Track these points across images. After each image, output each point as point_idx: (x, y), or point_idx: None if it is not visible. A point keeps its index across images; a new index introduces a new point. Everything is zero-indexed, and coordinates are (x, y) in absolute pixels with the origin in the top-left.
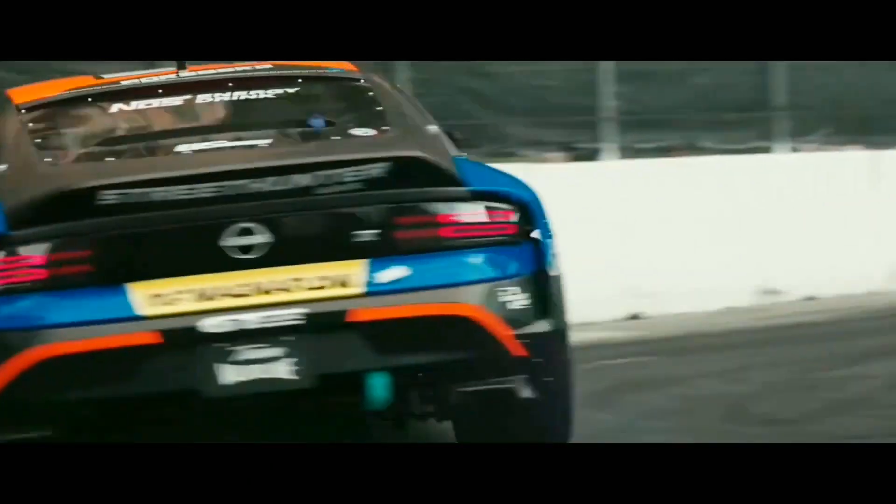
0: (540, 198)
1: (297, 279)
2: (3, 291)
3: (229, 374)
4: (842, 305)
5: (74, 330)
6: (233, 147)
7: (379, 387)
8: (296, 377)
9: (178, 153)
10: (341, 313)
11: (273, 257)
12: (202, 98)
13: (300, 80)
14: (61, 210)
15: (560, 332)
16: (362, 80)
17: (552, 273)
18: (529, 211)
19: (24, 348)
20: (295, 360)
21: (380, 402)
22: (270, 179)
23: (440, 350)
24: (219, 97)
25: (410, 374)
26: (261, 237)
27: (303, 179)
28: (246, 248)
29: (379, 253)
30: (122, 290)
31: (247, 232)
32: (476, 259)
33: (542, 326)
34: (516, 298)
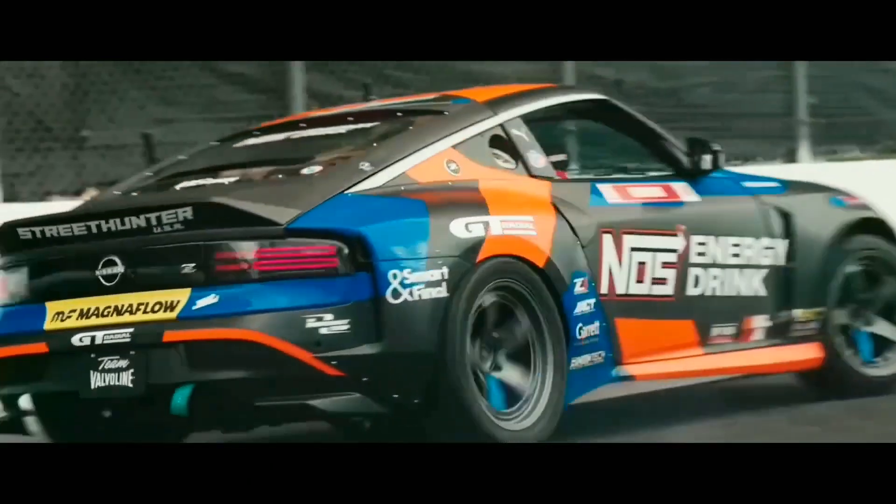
0: (390, 231)
1: (141, 304)
2: None
3: (96, 380)
4: None
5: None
6: (186, 186)
7: (179, 399)
8: (132, 386)
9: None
10: (160, 331)
11: (126, 285)
12: (287, 134)
13: (395, 113)
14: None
15: (400, 354)
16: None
17: (393, 301)
18: (364, 244)
19: None
20: (132, 371)
21: (179, 410)
22: (126, 220)
23: (237, 368)
24: (296, 134)
25: (216, 387)
26: (118, 268)
27: (143, 221)
28: (110, 277)
29: (200, 283)
30: (42, 308)
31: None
32: (279, 289)
33: (366, 349)
34: (326, 324)
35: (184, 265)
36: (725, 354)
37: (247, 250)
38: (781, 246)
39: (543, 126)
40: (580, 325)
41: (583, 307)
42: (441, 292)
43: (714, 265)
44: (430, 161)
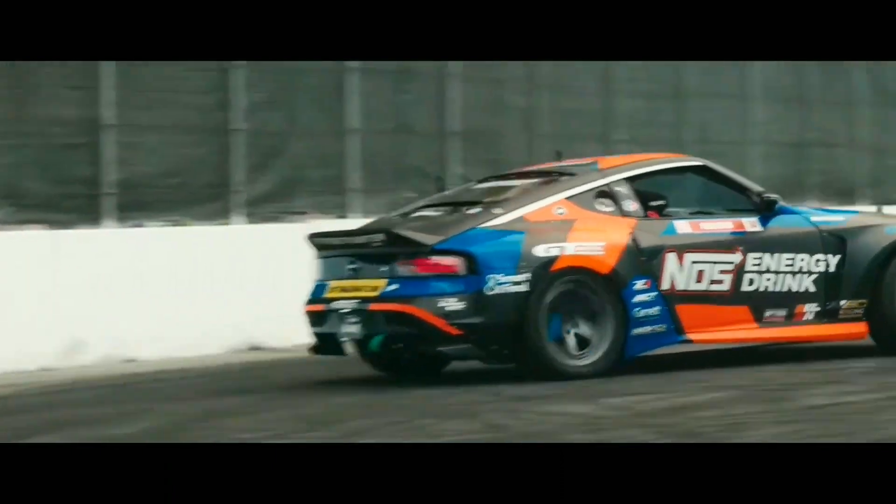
0: (493, 251)
1: (364, 286)
2: None
3: (343, 328)
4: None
5: (313, 303)
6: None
7: (375, 342)
8: (357, 332)
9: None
10: (368, 303)
11: (359, 275)
12: (492, 184)
13: (549, 174)
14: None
15: (493, 323)
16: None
17: (489, 293)
18: (473, 259)
19: None
20: (358, 324)
21: (374, 348)
22: (360, 238)
23: (405, 327)
24: (494, 184)
25: (395, 337)
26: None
27: (365, 239)
28: (352, 270)
29: (390, 277)
30: (326, 284)
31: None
32: (427, 283)
33: (474, 320)
34: (451, 304)
35: (383, 267)
36: (776, 328)
37: (412, 259)
38: (833, 259)
39: (657, 180)
40: (638, 308)
41: (642, 297)
42: (522, 288)
43: (768, 271)
44: (543, 208)
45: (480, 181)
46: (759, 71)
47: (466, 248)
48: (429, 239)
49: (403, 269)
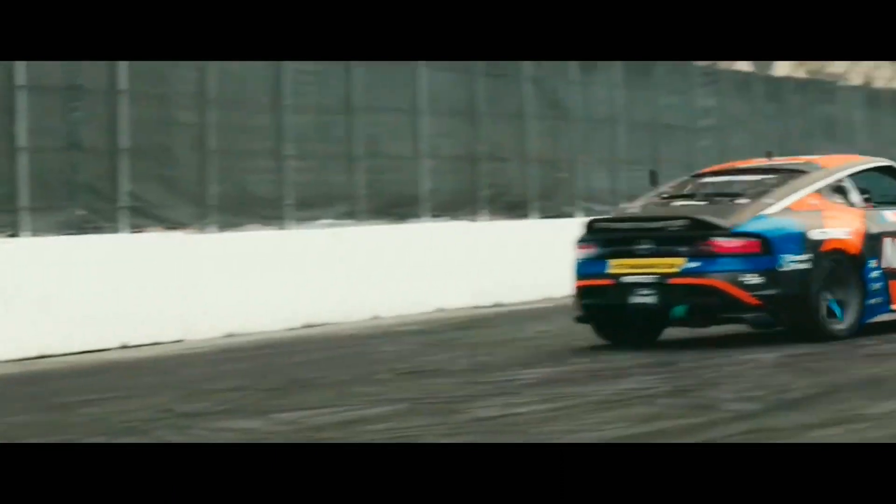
0: (782, 234)
1: (660, 264)
2: None
3: (633, 299)
4: None
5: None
6: (682, 204)
7: (679, 310)
8: (654, 302)
9: (663, 204)
10: (668, 278)
11: (651, 254)
12: (723, 178)
13: (782, 170)
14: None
15: (785, 295)
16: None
17: (782, 269)
18: (769, 241)
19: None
20: (654, 295)
21: (678, 316)
22: (654, 223)
23: (707, 298)
24: (728, 178)
25: (698, 306)
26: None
27: (662, 224)
28: (643, 250)
29: (689, 256)
30: (605, 262)
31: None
32: (727, 261)
33: (770, 292)
34: (751, 279)
35: (681, 247)
36: None
37: (711, 240)
38: None
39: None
40: (871, 283)
41: (873, 274)
42: (805, 266)
43: None
44: (801, 199)
45: (697, 176)
46: (427, 84)
47: (761, 232)
48: (726, 223)
49: (703, 249)
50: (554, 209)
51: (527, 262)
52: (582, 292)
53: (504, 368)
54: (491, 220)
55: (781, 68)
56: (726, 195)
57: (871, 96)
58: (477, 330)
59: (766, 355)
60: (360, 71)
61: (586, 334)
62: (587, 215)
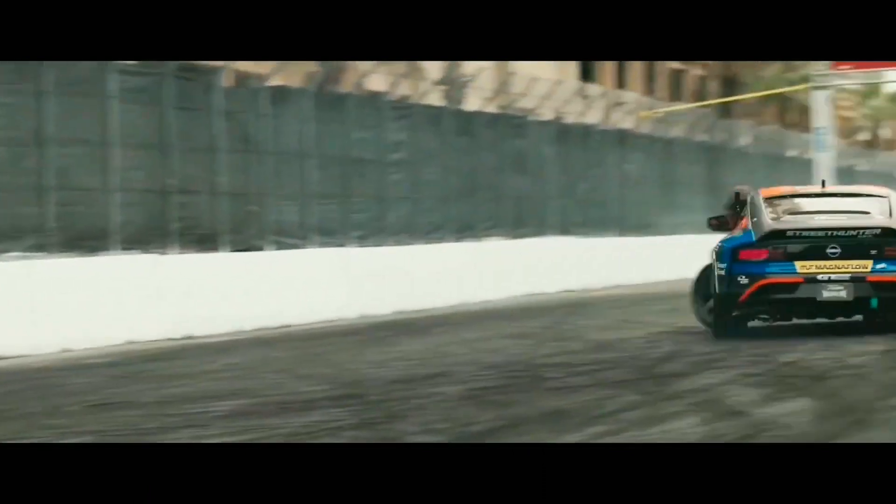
0: None
1: (851, 265)
2: None
3: (825, 294)
4: None
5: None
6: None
7: (874, 302)
8: (846, 297)
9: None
10: (863, 277)
11: (841, 257)
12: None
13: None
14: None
15: None
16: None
17: None
18: None
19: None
20: (846, 291)
21: (873, 308)
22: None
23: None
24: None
25: (887, 300)
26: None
27: (853, 232)
28: (833, 253)
29: (876, 258)
30: (792, 264)
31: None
32: None
33: None
34: None
35: (871, 250)
36: None
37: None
38: None
39: None
40: None
41: None
42: None
43: None
44: None
45: (781, 197)
46: (119, 116)
47: None
48: None
49: (889, 253)
50: (244, 242)
51: (218, 294)
52: (766, 289)
53: (194, 401)
54: (181, 253)
55: (472, 103)
56: (856, 212)
57: (560, 131)
58: (167, 362)
59: (452, 388)
60: (51, 103)
61: (279, 365)
62: (278, 248)
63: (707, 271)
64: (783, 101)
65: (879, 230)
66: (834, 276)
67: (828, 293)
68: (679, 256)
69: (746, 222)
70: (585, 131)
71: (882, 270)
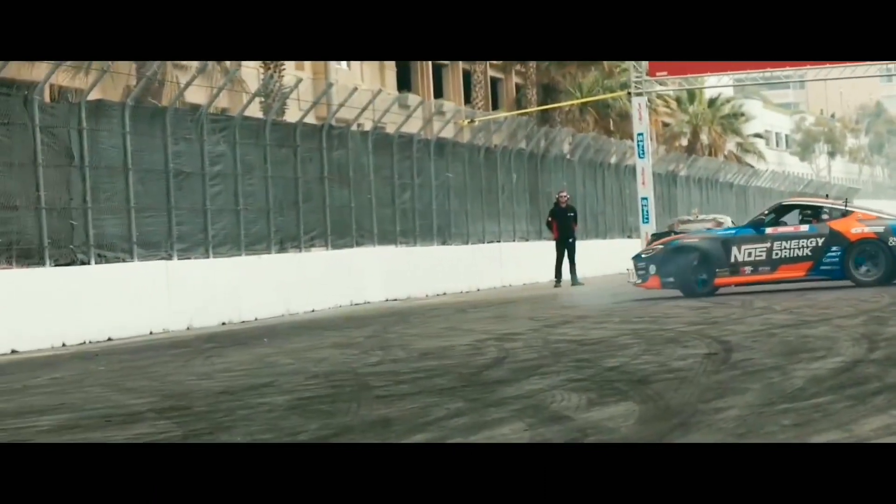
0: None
1: None
2: None
3: None
4: None
5: None
6: None
7: None
8: None
9: None
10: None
11: None
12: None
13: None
14: None
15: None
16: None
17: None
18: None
19: None
20: None
21: None
22: None
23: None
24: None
25: None
26: None
27: None
28: None
29: None
30: None
31: None
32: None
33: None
34: None
35: None
36: None
37: None
38: None
39: None
40: None
41: None
42: None
43: None
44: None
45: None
46: None
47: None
48: None
49: None
50: (67, 256)
51: (41, 309)
52: None
53: (18, 415)
54: (4, 268)
55: (292, 114)
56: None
57: (380, 141)
58: None
59: (278, 398)
60: None
61: (104, 379)
62: (101, 262)
63: None
64: (602, 109)
65: None
66: None
67: None
68: (502, 263)
69: None
70: (406, 141)
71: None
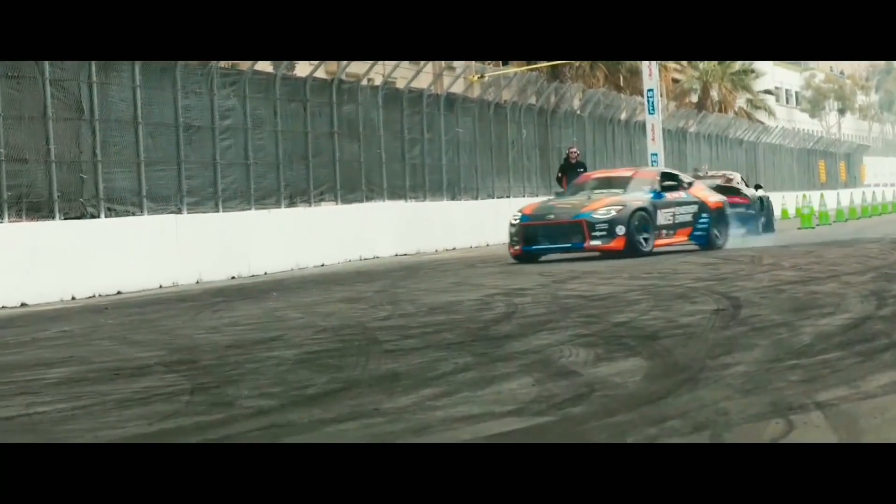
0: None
1: None
2: None
3: None
4: None
5: None
6: None
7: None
8: None
9: None
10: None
11: None
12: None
13: None
14: None
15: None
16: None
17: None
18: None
19: None
20: None
21: None
22: None
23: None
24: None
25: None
26: None
27: None
28: None
29: None
30: None
31: None
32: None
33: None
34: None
35: None
36: None
37: None
38: None
39: None
40: None
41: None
42: None
43: None
44: None
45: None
46: None
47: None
48: None
49: None
50: (77, 210)
51: (51, 263)
52: None
53: (26, 368)
54: (14, 221)
55: (302, 68)
56: None
57: (390, 96)
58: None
59: (286, 352)
60: None
61: (112, 332)
62: (111, 216)
63: None
64: (612, 64)
65: None
66: None
67: None
68: None
69: None
70: (416, 96)
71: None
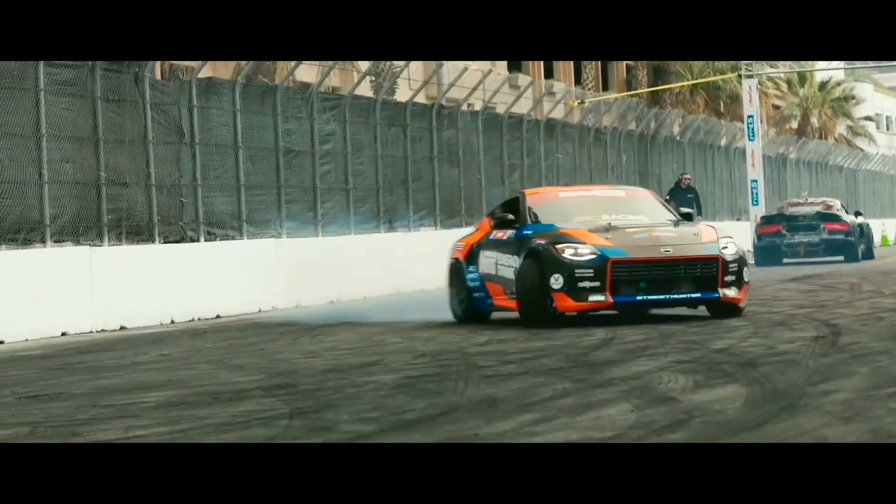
0: None
1: None
2: None
3: None
4: None
5: None
6: None
7: None
8: None
9: None
10: None
11: None
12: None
13: None
14: None
15: None
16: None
17: None
18: None
19: None
20: None
21: None
22: None
23: None
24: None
25: None
26: None
27: None
28: None
29: None
30: None
31: None
32: None
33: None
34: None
35: None
36: None
37: None
38: None
39: None
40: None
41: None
42: None
43: None
44: None
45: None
46: (48, 109)
47: None
48: None
49: None
50: (176, 234)
51: (150, 286)
52: None
53: (126, 391)
54: (114, 245)
55: (402, 93)
56: None
57: (490, 121)
58: (100, 354)
59: (385, 377)
60: None
61: (211, 356)
62: (210, 240)
63: None
64: (713, 90)
65: None
66: None
67: None
68: None
69: None
70: (516, 121)
71: None
